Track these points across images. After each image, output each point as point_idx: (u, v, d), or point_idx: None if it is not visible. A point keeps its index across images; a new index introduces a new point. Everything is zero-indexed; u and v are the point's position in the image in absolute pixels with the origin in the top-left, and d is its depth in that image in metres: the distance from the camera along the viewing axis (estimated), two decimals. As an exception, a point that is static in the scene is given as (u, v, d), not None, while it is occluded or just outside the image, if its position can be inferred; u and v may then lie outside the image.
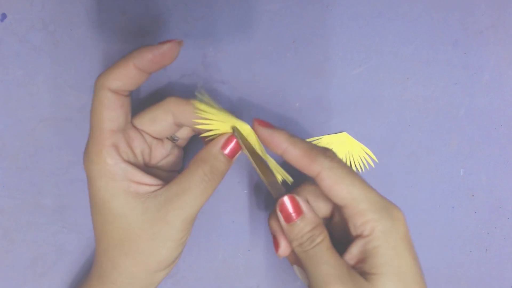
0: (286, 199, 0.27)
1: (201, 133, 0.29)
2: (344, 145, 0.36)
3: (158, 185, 0.28)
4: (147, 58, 0.26)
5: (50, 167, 0.35)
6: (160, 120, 0.29)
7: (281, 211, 0.27)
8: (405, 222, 0.27)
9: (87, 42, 0.36)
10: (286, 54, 0.36)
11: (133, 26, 0.36)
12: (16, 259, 0.34)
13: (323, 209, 0.30)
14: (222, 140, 0.28)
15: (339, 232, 0.29)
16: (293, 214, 0.27)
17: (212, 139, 0.29)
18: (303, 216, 0.27)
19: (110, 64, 0.35)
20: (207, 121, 0.28)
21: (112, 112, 0.27)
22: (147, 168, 0.30)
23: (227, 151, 0.28)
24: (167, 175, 0.32)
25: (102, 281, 0.29)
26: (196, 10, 0.36)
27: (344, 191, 0.26)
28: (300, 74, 0.36)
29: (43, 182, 0.35)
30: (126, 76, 0.27)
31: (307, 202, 0.28)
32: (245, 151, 0.28)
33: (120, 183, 0.27)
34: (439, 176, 0.36)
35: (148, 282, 0.29)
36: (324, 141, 0.36)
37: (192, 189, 0.27)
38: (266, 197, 0.36)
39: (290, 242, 0.28)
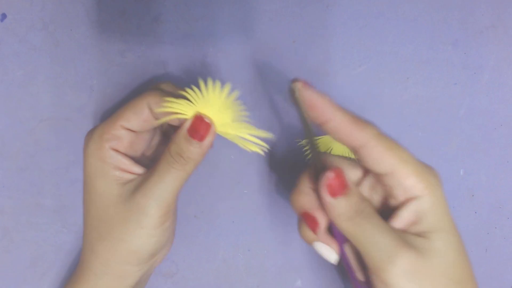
0: (331, 174, 0.25)
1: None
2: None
3: (141, 174, 0.29)
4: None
5: (50, 167, 0.35)
6: (141, 117, 0.28)
7: (328, 186, 0.25)
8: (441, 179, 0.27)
9: (87, 42, 0.36)
10: (286, 54, 0.36)
11: (133, 26, 0.36)
12: (16, 259, 0.34)
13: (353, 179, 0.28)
14: (188, 122, 0.27)
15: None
16: (341, 188, 0.25)
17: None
18: (350, 190, 0.26)
19: (110, 64, 0.36)
20: (171, 106, 0.26)
21: (135, 117, 0.28)
22: (141, 160, 0.31)
23: (193, 134, 0.26)
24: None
25: (82, 267, 0.29)
26: (196, 10, 0.36)
27: (395, 156, 0.25)
28: (300, 74, 0.36)
29: (43, 182, 0.35)
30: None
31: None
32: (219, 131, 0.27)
33: (108, 165, 0.28)
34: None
35: (120, 274, 0.28)
36: (324, 141, 0.36)
37: (160, 171, 0.27)
38: (266, 197, 0.36)
39: (334, 217, 0.26)
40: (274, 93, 0.36)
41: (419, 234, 0.26)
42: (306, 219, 0.27)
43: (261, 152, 0.27)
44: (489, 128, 0.36)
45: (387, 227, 0.25)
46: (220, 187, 0.36)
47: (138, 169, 0.29)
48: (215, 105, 0.26)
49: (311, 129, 0.26)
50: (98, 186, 0.28)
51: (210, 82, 0.25)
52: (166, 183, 0.27)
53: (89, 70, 0.36)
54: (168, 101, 0.26)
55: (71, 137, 0.35)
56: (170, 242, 0.32)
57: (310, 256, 0.35)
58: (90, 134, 0.29)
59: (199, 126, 0.26)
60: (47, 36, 0.36)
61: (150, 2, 0.36)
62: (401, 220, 0.26)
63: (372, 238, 0.25)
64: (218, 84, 0.25)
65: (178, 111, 0.26)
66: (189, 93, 0.26)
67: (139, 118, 0.28)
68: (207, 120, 0.26)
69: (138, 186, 0.27)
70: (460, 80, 0.37)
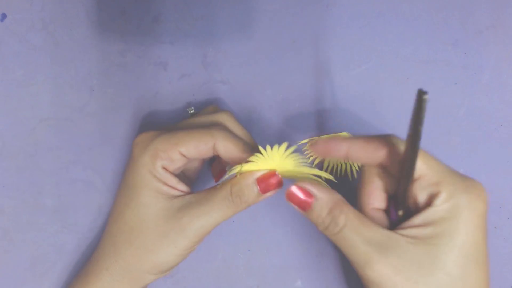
0: (294, 189, 0.27)
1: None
2: (344, 145, 0.36)
3: (188, 192, 0.29)
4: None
5: (50, 167, 0.35)
6: (201, 151, 0.29)
7: (292, 202, 0.27)
8: (486, 201, 0.25)
9: (87, 42, 0.36)
10: (286, 54, 0.36)
11: (133, 26, 0.36)
12: (16, 259, 0.34)
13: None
14: (261, 172, 0.28)
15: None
16: (307, 200, 0.27)
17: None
18: (316, 200, 0.27)
19: (110, 64, 0.36)
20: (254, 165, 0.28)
21: (195, 149, 0.28)
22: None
23: (261, 185, 0.27)
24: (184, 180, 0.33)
25: (98, 265, 0.29)
26: (196, 10, 0.36)
27: (423, 163, 0.26)
28: (300, 74, 0.36)
29: (43, 182, 0.35)
30: (233, 152, 0.29)
31: (319, 184, 0.27)
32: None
33: (157, 180, 0.28)
34: (439, 176, 0.36)
35: (136, 279, 0.29)
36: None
37: (213, 202, 0.28)
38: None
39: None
40: (274, 93, 0.36)
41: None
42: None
43: (333, 179, 0.28)
44: (489, 128, 0.36)
45: (369, 235, 0.25)
46: (220, 187, 0.36)
47: (183, 187, 0.29)
48: (281, 164, 0.27)
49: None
50: (143, 195, 0.28)
51: (276, 146, 0.26)
52: (214, 216, 0.28)
53: (89, 70, 0.36)
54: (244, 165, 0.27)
55: (71, 137, 0.35)
56: None
57: (310, 256, 0.35)
58: (145, 143, 0.29)
59: (270, 181, 0.27)
60: (47, 36, 0.36)
61: (150, 2, 0.36)
62: (411, 223, 0.26)
63: (350, 249, 0.26)
64: (283, 146, 0.26)
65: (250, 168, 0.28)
66: (262, 154, 0.27)
67: (200, 152, 0.29)
68: (279, 178, 0.28)
69: (186, 207, 0.28)
70: (460, 80, 0.36)
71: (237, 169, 0.27)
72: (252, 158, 0.27)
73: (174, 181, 0.29)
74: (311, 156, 0.36)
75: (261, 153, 0.26)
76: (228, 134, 0.29)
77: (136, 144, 0.30)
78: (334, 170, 0.36)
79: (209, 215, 0.28)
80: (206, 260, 0.35)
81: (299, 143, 0.36)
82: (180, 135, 0.29)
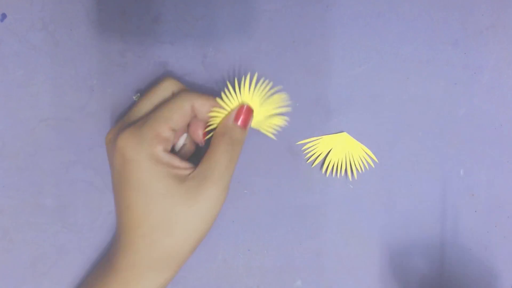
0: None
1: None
2: (344, 145, 0.36)
3: (191, 168, 0.30)
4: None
5: (50, 167, 0.35)
6: (186, 119, 0.31)
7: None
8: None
9: (87, 42, 0.36)
10: (286, 54, 0.36)
11: (133, 26, 0.36)
12: (16, 259, 0.34)
13: None
14: (233, 113, 0.31)
15: None
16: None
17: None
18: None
19: (110, 64, 0.36)
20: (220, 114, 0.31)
21: (181, 118, 0.30)
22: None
23: (239, 122, 0.31)
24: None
25: (123, 261, 0.29)
26: (196, 10, 0.36)
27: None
28: (300, 74, 0.36)
29: (43, 182, 0.35)
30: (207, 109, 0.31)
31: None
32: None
33: (164, 167, 0.28)
34: (439, 176, 0.36)
35: (182, 260, 0.30)
36: (324, 141, 0.36)
37: (221, 161, 0.29)
38: (266, 197, 0.36)
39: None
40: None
41: None
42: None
43: (273, 137, 0.33)
44: (489, 128, 0.36)
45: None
46: (220, 187, 0.36)
47: (186, 164, 0.30)
48: (255, 100, 0.32)
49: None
50: (161, 187, 0.28)
51: (247, 79, 0.31)
52: (229, 170, 0.30)
53: (89, 70, 0.36)
54: (216, 111, 0.31)
55: (71, 137, 0.35)
56: None
57: (310, 256, 0.35)
58: (136, 138, 0.28)
59: (245, 113, 0.31)
60: (47, 36, 0.36)
61: (150, 2, 0.36)
62: None
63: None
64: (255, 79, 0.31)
65: (223, 114, 0.31)
66: (230, 93, 0.31)
67: (185, 120, 0.30)
68: (248, 107, 0.32)
69: (204, 179, 0.29)
70: (460, 80, 0.37)
71: (216, 120, 0.31)
72: (220, 103, 0.31)
73: (176, 160, 0.30)
74: (312, 155, 0.36)
75: (229, 90, 0.31)
76: (195, 92, 0.31)
77: (125, 142, 0.28)
78: (334, 170, 0.36)
79: (224, 174, 0.29)
80: (206, 260, 0.35)
81: (297, 143, 0.36)
82: (162, 113, 0.30)
